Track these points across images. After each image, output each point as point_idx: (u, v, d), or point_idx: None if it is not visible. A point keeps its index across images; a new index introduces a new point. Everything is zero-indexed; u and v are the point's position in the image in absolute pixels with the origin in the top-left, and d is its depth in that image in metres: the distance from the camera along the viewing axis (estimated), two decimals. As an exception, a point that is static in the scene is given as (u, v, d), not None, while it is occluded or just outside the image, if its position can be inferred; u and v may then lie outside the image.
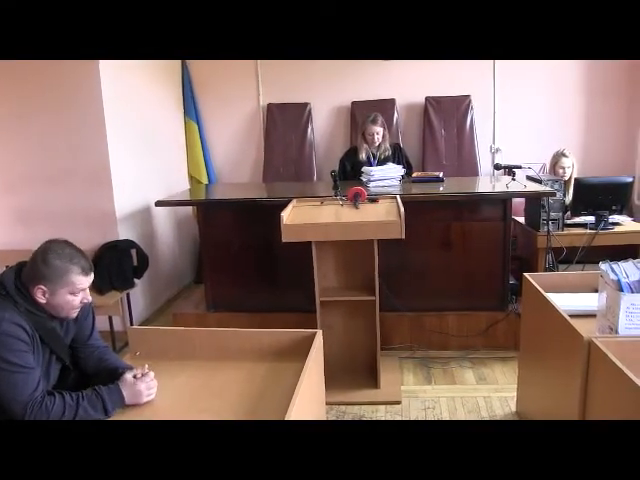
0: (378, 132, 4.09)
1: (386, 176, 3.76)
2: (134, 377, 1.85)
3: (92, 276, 1.88)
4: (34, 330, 1.79)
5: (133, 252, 3.91)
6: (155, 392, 1.86)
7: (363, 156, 4.14)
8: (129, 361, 2.07)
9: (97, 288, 3.75)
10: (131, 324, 3.94)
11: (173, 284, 4.87)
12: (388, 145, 4.17)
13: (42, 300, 1.80)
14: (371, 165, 4.05)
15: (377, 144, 4.13)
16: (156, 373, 1.93)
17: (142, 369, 1.89)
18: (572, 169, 3.97)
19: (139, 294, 4.21)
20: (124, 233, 4.02)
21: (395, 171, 3.81)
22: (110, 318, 3.79)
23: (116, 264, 3.78)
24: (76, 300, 1.85)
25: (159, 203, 3.68)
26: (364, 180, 3.80)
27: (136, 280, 3.93)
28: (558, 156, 3.98)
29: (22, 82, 3.79)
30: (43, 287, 1.78)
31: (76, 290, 1.83)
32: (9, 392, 1.68)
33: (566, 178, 3.92)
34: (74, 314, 1.89)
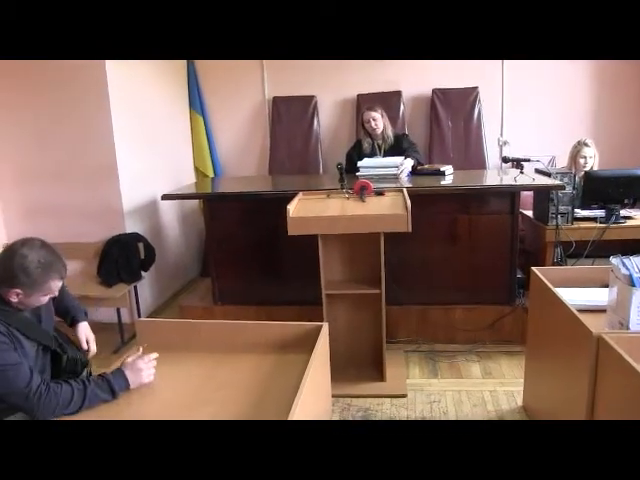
0: (375, 118, 4.05)
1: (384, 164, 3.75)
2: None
3: (65, 276, 1.92)
4: (8, 326, 1.80)
5: (140, 245, 3.92)
6: (154, 372, 1.91)
7: (366, 145, 4.13)
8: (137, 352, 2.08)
9: (105, 281, 3.77)
10: (139, 316, 3.96)
11: (179, 277, 4.88)
12: (390, 133, 4.13)
13: (15, 300, 1.82)
14: (376, 157, 4.03)
15: (378, 132, 4.09)
16: (163, 364, 1.99)
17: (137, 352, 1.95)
18: (594, 159, 3.90)
19: (146, 287, 4.23)
20: (131, 226, 4.03)
21: (391, 163, 3.79)
22: (118, 310, 3.81)
23: (123, 257, 3.80)
24: (47, 298, 1.90)
25: (165, 197, 3.68)
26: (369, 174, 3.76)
27: (143, 273, 3.95)
28: (580, 145, 3.90)
29: (30, 77, 3.80)
30: (19, 291, 1.80)
31: (51, 293, 1.88)
32: (7, 389, 1.72)
33: (587, 168, 3.84)
34: None
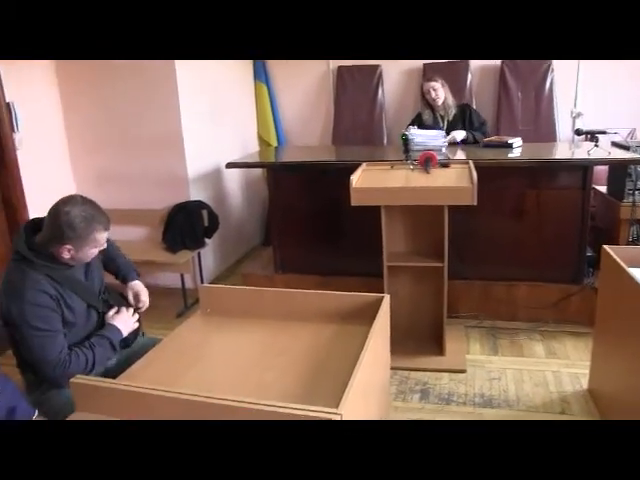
0: (435, 88, 3.95)
1: (428, 142, 3.62)
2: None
3: (110, 228, 2.01)
4: (58, 288, 1.91)
5: (204, 213, 4.00)
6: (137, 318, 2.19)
7: (426, 117, 4.05)
8: (200, 317, 2.13)
9: (169, 247, 3.88)
10: (202, 282, 4.06)
11: (242, 245, 4.96)
12: (451, 103, 4.03)
13: (67, 256, 1.91)
14: (439, 128, 3.94)
15: (439, 103, 4.00)
16: (224, 330, 2.04)
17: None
18: None
19: (209, 254, 4.32)
20: (195, 194, 4.11)
21: (436, 137, 3.67)
22: (182, 276, 3.91)
23: (188, 224, 3.89)
24: (97, 251, 2.00)
25: (229, 165, 3.72)
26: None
27: (207, 240, 4.03)
28: None
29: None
30: (69, 246, 1.88)
31: (99, 245, 1.97)
32: (39, 354, 1.85)
33: None
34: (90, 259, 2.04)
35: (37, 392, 1.98)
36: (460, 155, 3.52)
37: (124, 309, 2.14)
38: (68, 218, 1.85)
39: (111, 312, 2.11)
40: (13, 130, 3.56)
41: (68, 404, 1.63)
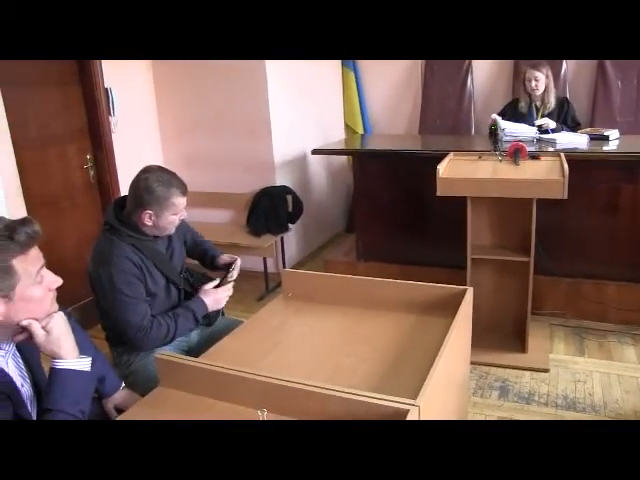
0: (538, 78, 3.80)
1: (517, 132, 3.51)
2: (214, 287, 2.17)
3: (186, 195, 2.06)
4: (142, 258, 2.00)
5: (289, 198, 4.06)
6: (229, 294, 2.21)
7: (523, 105, 3.91)
8: (281, 301, 2.18)
9: (253, 231, 3.97)
10: (284, 266, 4.14)
11: (325, 231, 5.01)
12: (552, 99, 3.87)
13: (149, 223, 1.99)
14: (533, 119, 3.81)
15: (537, 94, 3.85)
16: (305, 315, 2.06)
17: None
18: None
19: (292, 239, 4.39)
20: (281, 179, 4.18)
21: (528, 131, 3.55)
22: (264, 260, 4.00)
23: (272, 209, 3.97)
24: (177, 218, 2.05)
25: (315, 151, 3.77)
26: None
27: (290, 225, 4.10)
28: None
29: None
30: (150, 211, 1.97)
31: (178, 211, 2.03)
32: (123, 317, 1.94)
33: None
34: (173, 229, 2.10)
35: (124, 365, 2.08)
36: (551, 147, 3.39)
37: (224, 287, 2.19)
38: (146, 183, 1.95)
39: (210, 285, 2.16)
40: (110, 114, 3.76)
41: (152, 379, 1.70)
